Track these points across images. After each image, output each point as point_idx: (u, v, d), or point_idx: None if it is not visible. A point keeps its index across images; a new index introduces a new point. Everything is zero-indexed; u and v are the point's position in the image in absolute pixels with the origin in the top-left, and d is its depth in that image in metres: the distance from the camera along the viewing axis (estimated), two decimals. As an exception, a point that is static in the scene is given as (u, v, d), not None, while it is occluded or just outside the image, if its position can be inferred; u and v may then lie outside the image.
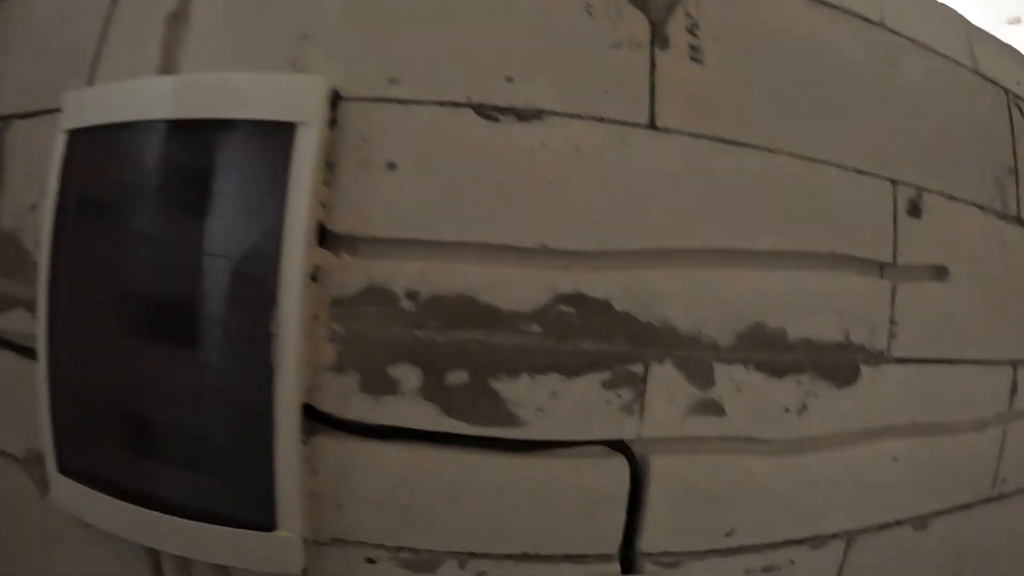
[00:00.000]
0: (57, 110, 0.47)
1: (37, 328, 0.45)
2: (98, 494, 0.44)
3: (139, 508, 0.43)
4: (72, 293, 0.45)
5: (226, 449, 0.42)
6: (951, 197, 0.55)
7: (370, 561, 0.42)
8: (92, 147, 0.45)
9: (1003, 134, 0.60)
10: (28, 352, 0.48)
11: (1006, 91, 0.61)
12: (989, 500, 0.59)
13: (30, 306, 0.47)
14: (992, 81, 0.60)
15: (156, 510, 0.43)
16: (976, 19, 0.66)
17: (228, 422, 0.42)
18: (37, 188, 0.47)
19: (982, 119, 0.59)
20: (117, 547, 0.46)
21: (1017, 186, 0.61)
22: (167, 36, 0.45)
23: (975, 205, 0.57)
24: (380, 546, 0.42)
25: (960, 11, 0.63)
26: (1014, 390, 0.60)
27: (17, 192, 0.51)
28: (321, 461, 0.41)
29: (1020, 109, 0.62)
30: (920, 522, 0.54)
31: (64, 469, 0.45)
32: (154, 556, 0.46)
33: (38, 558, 0.52)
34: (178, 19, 0.45)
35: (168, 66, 0.45)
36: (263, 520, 0.40)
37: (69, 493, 0.46)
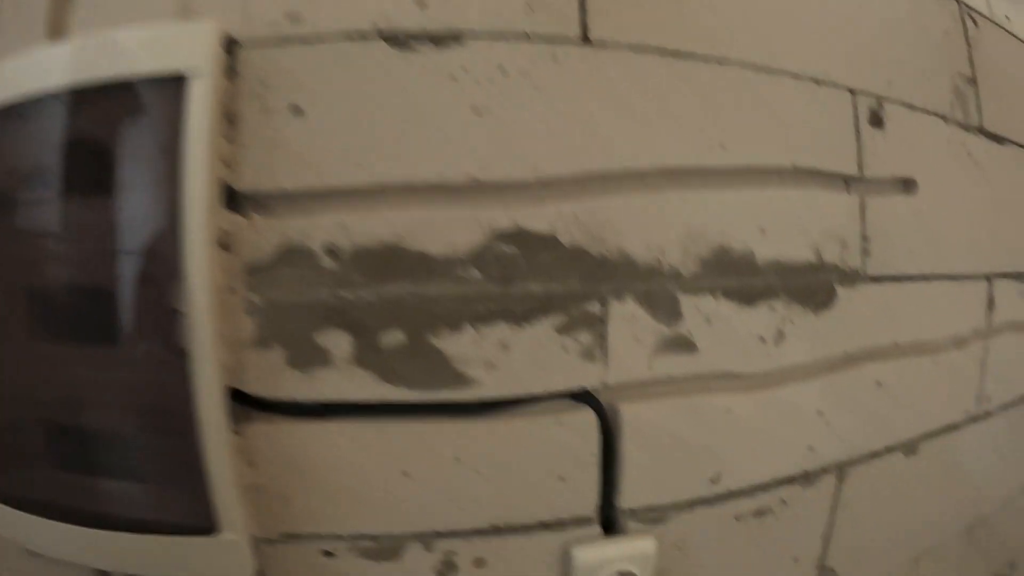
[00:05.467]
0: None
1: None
2: (36, 518, 0.40)
3: (80, 528, 0.39)
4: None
5: (151, 450, 0.38)
6: (912, 107, 0.51)
7: (328, 554, 0.38)
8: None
9: (959, 44, 0.58)
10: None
11: (958, 2, 0.59)
12: (975, 419, 0.58)
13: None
14: (942, -7, 0.58)
15: (99, 527, 0.39)
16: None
17: (149, 419, 0.37)
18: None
19: (937, 28, 0.56)
20: (65, 571, 0.41)
21: (977, 96, 0.58)
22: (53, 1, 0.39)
23: (937, 115, 0.54)
24: (336, 536, 0.38)
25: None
26: (991, 305, 0.59)
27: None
28: (257, 450, 0.37)
29: (973, 19, 0.60)
30: (910, 447, 0.53)
31: (-3, 494, 0.41)
32: (105, 576, 0.41)
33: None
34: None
35: (56, 32, 0.39)
36: (203, 524, 0.36)
37: (6, 519, 0.41)
